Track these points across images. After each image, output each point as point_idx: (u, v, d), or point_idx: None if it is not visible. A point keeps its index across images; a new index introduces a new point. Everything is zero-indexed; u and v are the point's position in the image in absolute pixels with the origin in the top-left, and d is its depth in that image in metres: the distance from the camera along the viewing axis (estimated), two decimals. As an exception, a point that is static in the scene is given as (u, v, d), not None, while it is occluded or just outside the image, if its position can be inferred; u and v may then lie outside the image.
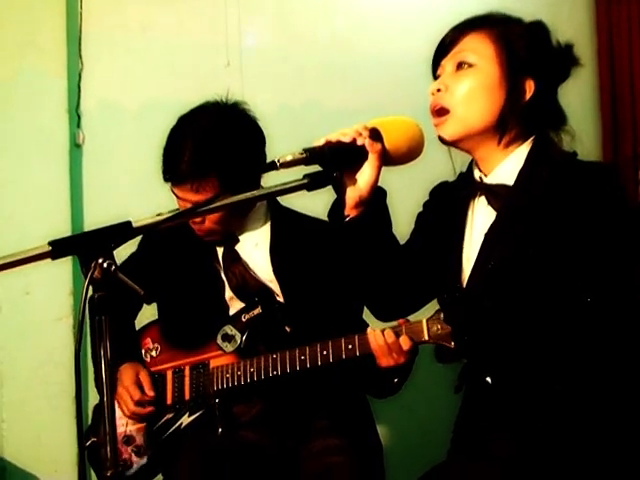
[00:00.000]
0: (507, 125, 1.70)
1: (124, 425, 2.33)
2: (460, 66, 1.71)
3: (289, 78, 3.41)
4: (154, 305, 2.48)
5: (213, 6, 3.38)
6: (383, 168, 1.65)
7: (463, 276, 1.74)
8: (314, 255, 2.23)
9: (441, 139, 1.73)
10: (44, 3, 3.21)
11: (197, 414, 2.27)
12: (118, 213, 1.45)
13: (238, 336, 2.27)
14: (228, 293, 2.33)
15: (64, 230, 3.03)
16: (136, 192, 3.16)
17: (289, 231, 2.33)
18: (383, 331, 2.00)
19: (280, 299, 2.30)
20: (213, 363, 2.28)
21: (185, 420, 2.28)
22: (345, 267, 1.80)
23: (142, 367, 2.34)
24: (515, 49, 1.70)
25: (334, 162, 1.59)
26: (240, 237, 2.33)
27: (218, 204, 1.50)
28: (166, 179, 2.25)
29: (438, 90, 1.71)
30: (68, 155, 3.21)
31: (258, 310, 2.26)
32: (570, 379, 1.61)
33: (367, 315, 2.02)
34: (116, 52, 3.33)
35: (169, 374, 2.34)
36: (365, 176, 1.65)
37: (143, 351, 2.40)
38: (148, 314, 2.50)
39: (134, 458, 2.31)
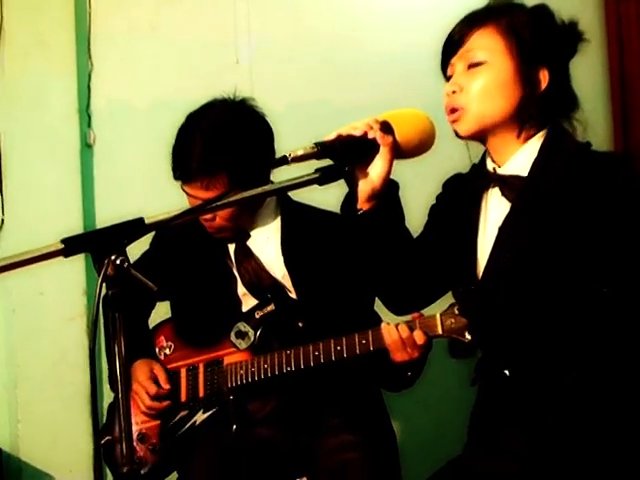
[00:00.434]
0: (526, 118, 1.69)
1: (138, 423, 2.33)
2: (472, 65, 1.70)
3: (298, 75, 3.40)
4: (167, 304, 2.48)
5: (222, 4, 3.38)
6: (395, 161, 1.65)
7: (478, 269, 1.73)
8: (326, 248, 2.22)
9: (457, 134, 1.72)
10: (53, 4, 3.21)
11: (211, 411, 2.27)
12: (130, 212, 1.44)
13: (251, 333, 2.27)
14: (241, 289, 2.33)
15: (76, 230, 2.97)
16: (148, 191, 3.16)
17: (300, 225, 2.32)
18: (397, 326, 1.99)
19: (292, 295, 2.30)
20: (227, 360, 2.28)
21: (200, 417, 2.28)
22: (358, 260, 1.79)
23: (156, 362, 2.34)
24: (524, 39, 1.68)
25: (345, 156, 1.59)
26: (251, 233, 2.33)
27: (229, 200, 1.50)
28: (176, 177, 2.26)
29: (453, 92, 1.70)
30: (79, 155, 3.22)
31: (271, 307, 2.26)
32: (585, 370, 1.60)
33: (381, 309, 2.01)
34: (125, 51, 3.33)
35: (183, 372, 2.34)
36: (377, 169, 1.64)
37: (157, 349, 2.40)
38: (161, 312, 2.50)
39: (149, 456, 2.32)
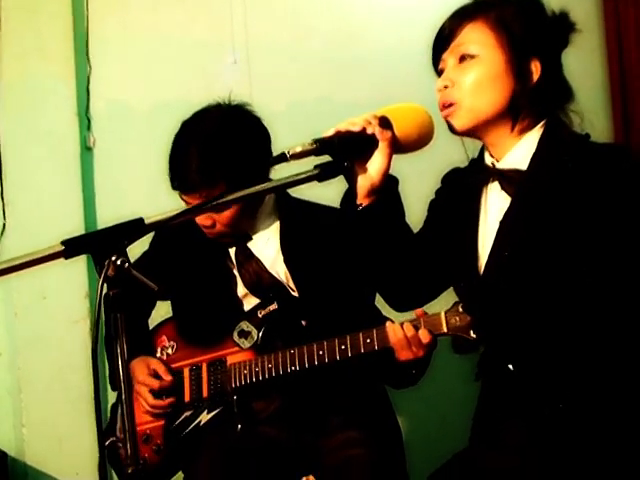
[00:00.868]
0: (519, 110, 1.68)
1: (142, 424, 2.33)
2: (463, 59, 1.69)
3: (297, 74, 3.39)
4: (168, 304, 2.48)
5: (218, 4, 3.38)
6: (394, 156, 1.64)
7: (479, 263, 1.72)
8: (326, 245, 2.21)
9: (451, 129, 1.72)
10: (50, 7, 3.21)
11: (216, 411, 2.27)
12: (130, 214, 1.44)
13: (255, 332, 2.26)
14: (241, 290, 2.32)
15: (77, 232, 3.02)
16: (148, 193, 3.15)
17: (299, 222, 2.31)
18: (402, 324, 1.99)
19: (294, 293, 2.30)
20: (230, 360, 2.28)
21: (204, 417, 2.28)
22: (359, 256, 1.78)
23: (151, 357, 2.33)
24: (514, 31, 1.68)
25: (344, 151, 1.59)
26: (252, 235, 2.32)
27: (228, 198, 1.50)
28: (174, 187, 2.23)
29: (445, 87, 1.70)
30: (79, 158, 3.22)
31: (274, 306, 2.26)
32: (588, 364, 1.59)
33: (383, 306, 2.00)
34: (123, 53, 3.33)
35: (186, 371, 2.34)
36: (376, 164, 1.64)
37: (159, 349, 2.40)
38: (162, 312, 2.50)
39: (154, 456, 2.32)
